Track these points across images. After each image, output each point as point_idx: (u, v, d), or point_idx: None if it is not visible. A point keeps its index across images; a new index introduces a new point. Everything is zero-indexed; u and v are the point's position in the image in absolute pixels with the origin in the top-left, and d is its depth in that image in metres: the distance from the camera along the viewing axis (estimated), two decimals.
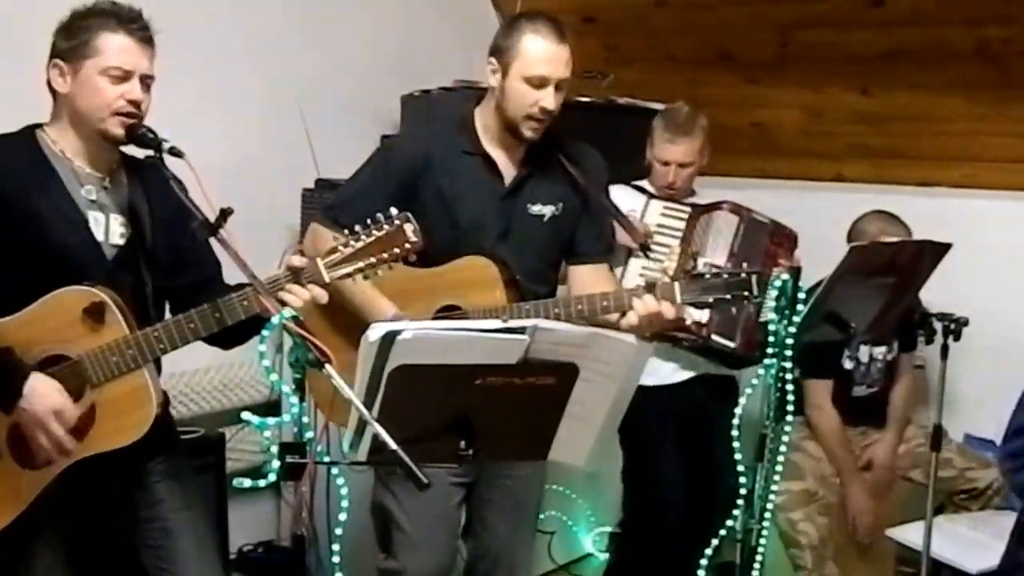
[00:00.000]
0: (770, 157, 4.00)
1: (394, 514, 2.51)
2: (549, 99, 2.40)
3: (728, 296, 2.33)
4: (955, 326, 2.85)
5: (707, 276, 2.34)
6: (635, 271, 3.15)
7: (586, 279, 2.57)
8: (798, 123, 3.93)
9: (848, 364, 3.40)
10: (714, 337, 3.09)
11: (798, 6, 3.64)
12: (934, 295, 3.28)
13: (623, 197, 3.30)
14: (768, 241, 3.10)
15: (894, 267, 2.76)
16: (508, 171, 2.53)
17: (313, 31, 3.66)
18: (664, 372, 3.25)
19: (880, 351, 3.40)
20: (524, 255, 2.51)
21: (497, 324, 1.94)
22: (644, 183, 3.35)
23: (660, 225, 3.21)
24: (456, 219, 2.49)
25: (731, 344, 3.06)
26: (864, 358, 3.41)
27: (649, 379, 3.22)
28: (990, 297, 3.50)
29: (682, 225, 3.20)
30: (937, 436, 2.94)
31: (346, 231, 2.00)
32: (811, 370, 3.32)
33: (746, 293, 2.33)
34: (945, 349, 2.88)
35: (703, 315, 3.05)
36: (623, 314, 2.36)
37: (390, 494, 2.51)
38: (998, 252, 3.63)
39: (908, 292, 2.90)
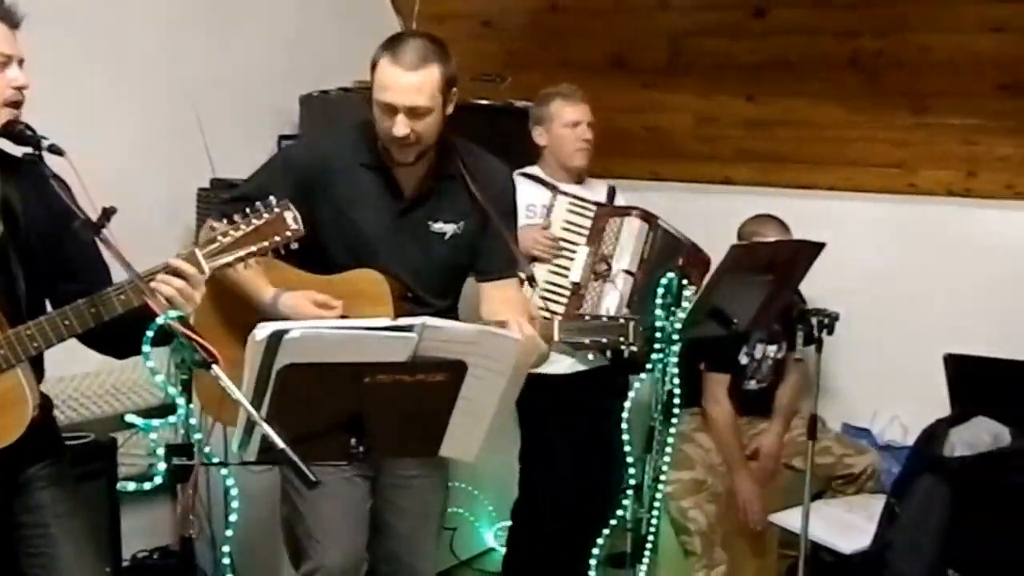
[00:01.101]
0: (663, 160, 4.12)
1: (302, 517, 2.49)
2: (399, 126, 2.34)
3: (604, 340, 2.44)
4: (828, 320, 2.99)
5: (587, 318, 2.48)
6: (541, 276, 3.20)
7: (494, 296, 2.55)
8: (689, 128, 4.06)
9: (744, 360, 3.56)
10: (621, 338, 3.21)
11: (688, 15, 3.77)
12: (814, 292, 3.45)
13: (523, 189, 3.36)
14: (684, 260, 3.20)
15: (773, 265, 2.90)
16: (409, 186, 2.49)
17: (210, 29, 3.64)
18: (566, 363, 3.33)
19: (772, 349, 3.57)
20: (423, 271, 2.50)
21: (386, 322, 1.99)
22: (537, 171, 3.42)
23: (567, 222, 3.29)
24: (352, 232, 2.47)
25: (636, 349, 3.18)
26: (758, 355, 3.57)
27: (550, 368, 3.34)
28: (864, 293, 3.68)
29: (588, 223, 3.29)
30: (813, 425, 3.09)
31: (225, 220, 1.97)
32: (713, 364, 3.48)
33: (621, 339, 2.44)
34: (819, 343, 3.02)
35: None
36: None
37: (295, 499, 2.49)
38: (871, 251, 3.83)
39: (786, 289, 3.04)
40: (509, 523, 3.59)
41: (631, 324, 2.42)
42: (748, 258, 2.89)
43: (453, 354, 2.02)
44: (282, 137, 3.70)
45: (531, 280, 2.58)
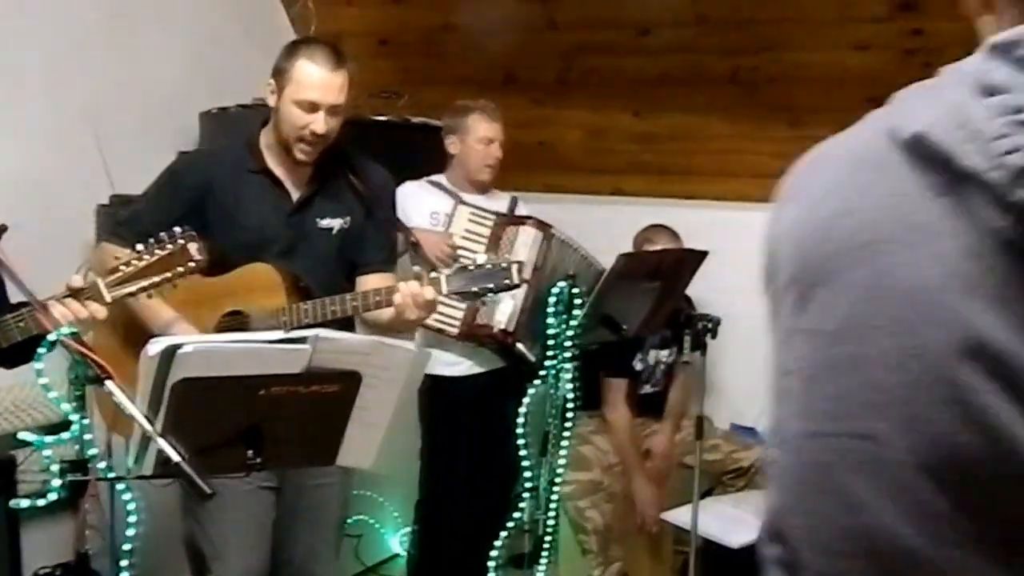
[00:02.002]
0: (556, 173, 4.24)
1: (205, 530, 2.51)
2: (319, 124, 2.48)
3: (491, 285, 2.47)
4: (711, 325, 3.14)
5: (471, 268, 2.48)
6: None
7: (371, 287, 2.63)
8: (580, 142, 4.19)
9: (639, 365, 3.69)
10: (518, 345, 3.32)
11: (576, 34, 3.90)
12: (702, 297, 3.60)
13: (428, 198, 3.46)
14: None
15: (659, 273, 3.03)
16: (295, 188, 2.60)
17: (109, 45, 3.63)
18: (466, 365, 3.46)
19: (664, 354, 3.71)
20: (315, 267, 2.59)
21: (279, 335, 2.04)
22: (442, 180, 3.52)
23: (467, 231, 3.38)
24: (242, 236, 2.55)
25: (531, 357, 3.29)
26: (651, 360, 3.71)
27: (451, 370, 3.43)
28: (749, 299, 3.83)
29: (487, 232, 3.38)
30: (700, 426, 3.22)
31: (129, 250, 2.03)
32: (611, 370, 3.60)
33: (507, 282, 2.48)
34: (704, 347, 3.16)
35: (511, 324, 3.27)
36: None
37: (198, 513, 2.52)
38: (755, 257, 3.98)
39: (672, 295, 3.17)
40: (410, 529, 3.67)
41: (515, 266, 2.46)
42: (635, 266, 3.02)
43: (347, 365, 2.08)
44: (180, 154, 3.71)
45: (418, 277, 2.67)
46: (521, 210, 3.62)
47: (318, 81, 2.47)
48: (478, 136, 3.43)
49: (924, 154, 0.81)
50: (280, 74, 2.52)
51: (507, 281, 2.46)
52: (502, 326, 3.27)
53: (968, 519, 0.78)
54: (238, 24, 4.11)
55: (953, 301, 0.78)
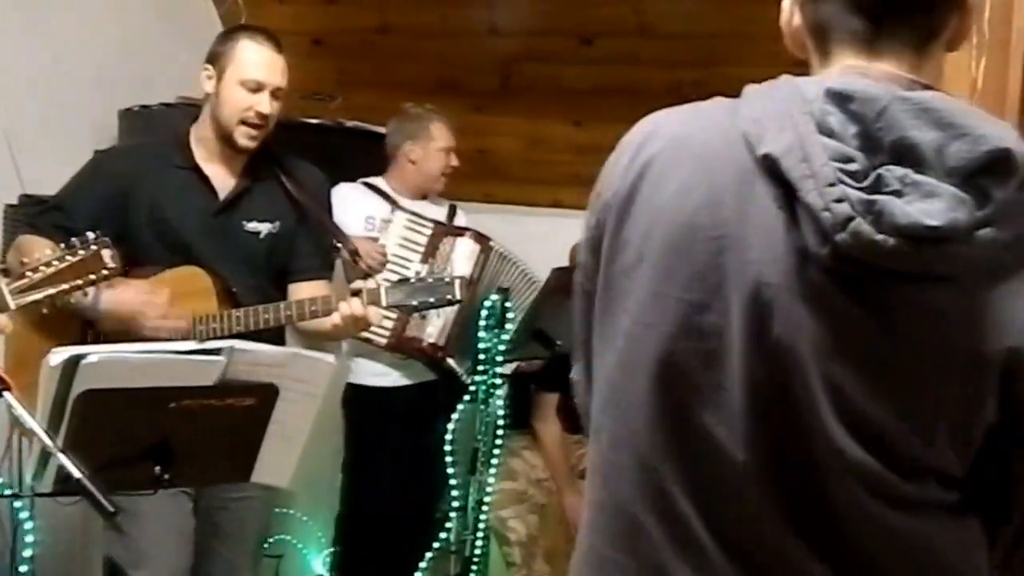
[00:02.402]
0: (494, 182, 4.16)
1: (123, 542, 2.41)
2: (264, 104, 2.43)
3: (432, 299, 2.45)
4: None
5: (413, 281, 2.48)
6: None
7: (304, 295, 2.56)
8: (519, 151, 4.12)
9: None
10: (448, 360, 3.25)
11: (518, 41, 3.83)
12: None
13: (364, 201, 3.38)
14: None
15: None
16: (224, 187, 2.52)
17: (21, 33, 3.46)
18: (394, 376, 3.38)
19: None
20: (241, 271, 2.51)
21: (192, 346, 1.95)
22: (381, 183, 3.43)
23: (404, 238, 3.31)
24: (167, 235, 2.47)
25: (461, 373, 3.21)
26: None
27: (378, 380, 3.35)
28: None
29: (424, 240, 3.31)
30: None
31: (48, 241, 1.94)
32: (543, 384, 3.52)
33: (449, 297, 2.46)
34: None
35: (441, 337, 3.19)
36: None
37: (114, 532, 2.40)
38: None
39: None
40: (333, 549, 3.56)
41: (457, 281, 2.45)
42: (570, 281, 2.93)
43: (264, 377, 2.01)
44: (98, 152, 3.56)
45: (356, 293, 2.57)
46: (460, 219, 3.57)
47: (261, 60, 2.45)
48: (440, 145, 3.40)
49: (774, 172, 1.03)
50: (220, 57, 2.47)
51: (449, 296, 2.45)
52: (432, 340, 3.19)
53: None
54: (164, 18, 3.96)
55: (784, 295, 1.02)
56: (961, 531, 1.06)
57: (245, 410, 2.01)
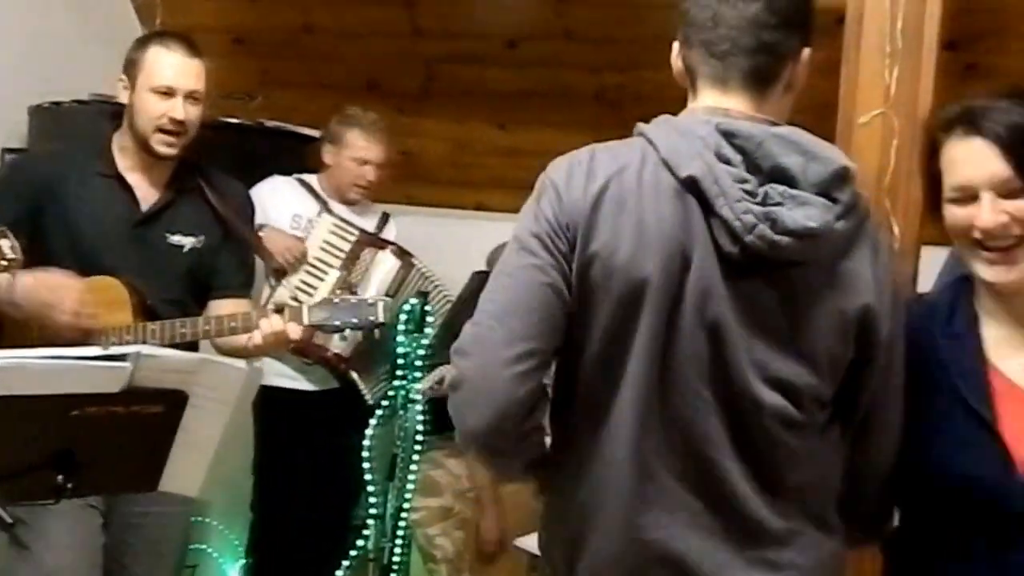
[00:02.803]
0: (418, 185, 4.12)
1: (26, 560, 2.31)
2: (177, 109, 2.39)
3: (355, 320, 2.43)
4: None
5: (336, 300, 2.44)
6: (286, 294, 3.16)
7: (225, 312, 2.51)
8: (444, 154, 4.10)
9: None
10: (351, 374, 3.21)
11: (442, 43, 3.81)
12: None
13: (295, 198, 3.33)
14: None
15: None
16: (147, 197, 2.46)
17: None
18: (305, 379, 3.33)
19: None
20: (161, 285, 2.45)
21: (96, 351, 1.88)
22: (314, 182, 3.39)
23: (326, 242, 3.26)
24: (84, 244, 2.40)
25: (364, 389, 3.17)
26: None
27: (291, 382, 3.29)
28: None
29: (347, 247, 3.26)
30: None
31: None
32: None
33: (372, 319, 2.44)
34: None
35: (348, 349, 3.15)
36: (251, 336, 2.38)
37: (16, 536, 2.29)
38: None
39: None
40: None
41: (381, 304, 2.43)
42: None
43: (172, 384, 1.94)
44: (6, 150, 3.45)
45: (278, 310, 2.53)
46: (391, 228, 3.53)
47: (172, 65, 2.41)
48: (352, 155, 3.34)
49: (696, 191, 1.39)
50: (132, 66, 2.44)
51: (372, 319, 2.43)
52: (337, 351, 3.15)
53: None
54: (76, 11, 3.85)
55: (715, 284, 1.40)
56: (828, 441, 1.48)
57: (152, 418, 1.93)
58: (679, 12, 1.47)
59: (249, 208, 2.67)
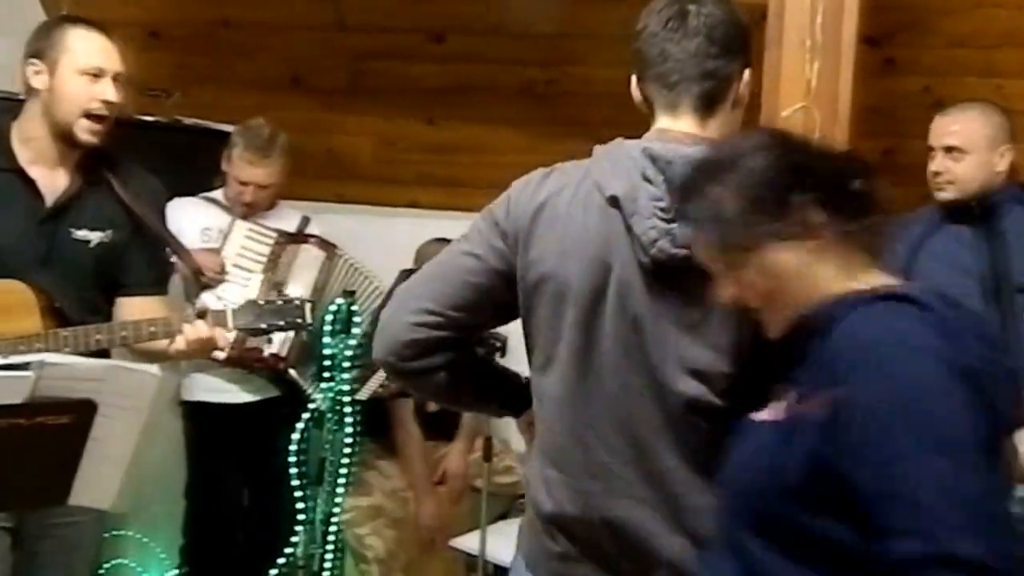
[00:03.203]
0: (347, 182, 4.06)
1: None
2: (109, 91, 2.29)
3: (281, 322, 2.38)
4: (499, 344, 3.04)
5: (261, 302, 2.38)
6: (212, 304, 3.08)
7: (136, 312, 2.40)
8: (372, 150, 4.03)
9: None
10: (291, 372, 3.14)
11: (367, 37, 3.75)
12: None
13: (202, 213, 3.25)
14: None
15: None
16: (51, 191, 2.33)
17: None
18: (235, 391, 3.25)
19: None
20: (69, 283, 2.33)
21: None
22: (219, 196, 3.31)
23: (244, 248, 3.18)
24: None
25: (305, 385, 3.12)
26: None
27: (218, 396, 3.22)
28: None
29: (267, 250, 3.19)
30: (488, 447, 3.13)
31: None
32: (398, 390, 3.43)
33: (299, 320, 2.39)
34: None
35: (283, 348, 3.08)
36: (172, 340, 2.30)
37: None
38: None
39: None
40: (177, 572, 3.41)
41: (307, 304, 2.40)
42: None
43: (79, 393, 1.87)
44: None
45: (201, 315, 2.45)
46: (313, 230, 3.44)
47: (99, 45, 2.31)
48: (235, 174, 3.24)
49: (617, 207, 1.57)
50: (48, 50, 2.30)
51: (298, 319, 2.39)
52: (273, 351, 3.08)
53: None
54: None
55: (635, 286, 1.58)
56: (727, 423, 1.55)
57: (60, 429, 1.86)
58: (632, 51, 1.65)
59: (162, 201, 2.56)
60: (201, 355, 2.42)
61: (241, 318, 2.34)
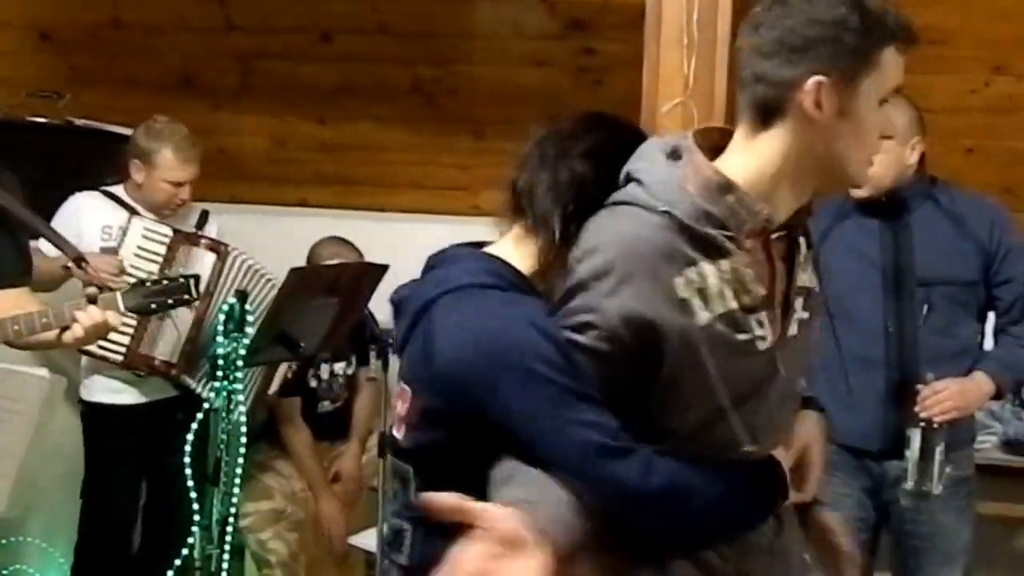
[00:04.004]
0: (238, 182, 4.04)
1: None
2: None
3: (170, 300, 2.42)
4: (395, 341, 3.07)
5: (148, 283, 2.42)
6: None
7: (11, 305, 2.33)
8: (263, 150, 4.03)
9: (313, 383, 3.54)
10: (183, 378, 3.13)
11: (255, 37, 3.73)
12: (385, 313, 3.52)
13: (102, 210, 3.20)
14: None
15: (337, 288, 2.92)
16: None
17: None
18: (132, 393, 3.22)
19: (340, 366, 3.57)
20: None
21: None
22: (119, 191, 3.26)
23: (140, 247, 3.13)
24: None
25: (198, 389, 3.10)
26: (325, 375, 3.57)
27: (115, 397, 3.18)
28: None
29: (163, 249, 3.15)
30: (383, 443, 3.14)
31: None
32: (283, 390, 3.42)
33: (187, 297, 2.45)
34: (387, 363, 3.10)
35: (174, 355, 3.06)
36: (64, 329, 2.27)
37: None
38: None
39: (353, 311, 3.08)
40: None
41: (192, 280, 2.44)
42: (311, 281, 2.90)
43: None
44: None
45: (91, 300, 2.42)
46: (212, 225, 3.42)
47: None
48: (168, 176, 3.16)
49: None
50: None
51: (186, 296, 2.44)
52: (164, 357, 3.06)
53: None
54: None
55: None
56: None
57: None
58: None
59: (16, 191, 2.45)
60: (96, 340, 2.41)
61: (131, 300, 2.36)
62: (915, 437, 2.46)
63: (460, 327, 1.39)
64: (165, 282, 2.42)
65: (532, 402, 1.32)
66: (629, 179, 1.39)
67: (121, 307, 2.33)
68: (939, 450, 2.45)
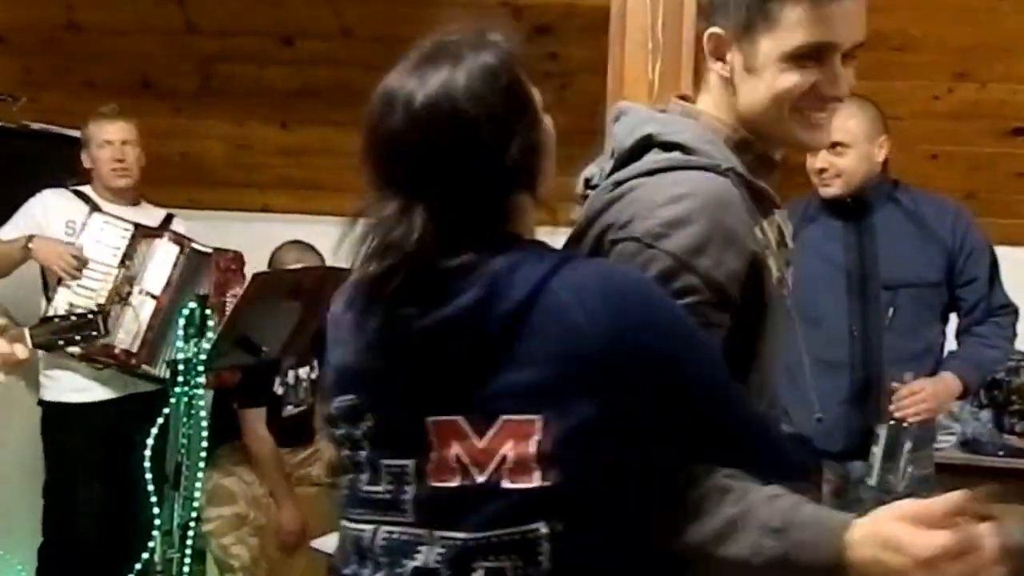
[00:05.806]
0: (199, 187, 4.01)
1: None
2: None
3: (78, 337, 2.50)
4: None
5: (56, 320, 2.50)
6: (65, 299, 3.05)
7: None
8: (225, 154, 3.99)
9: (280, 389, 3.50)
10: (144, 367, 3.12)
11: (217, 40, 3.69)
12: None
13: (67, 206, 3.24)
14: (215, 269, 3.22)
15: (300, 291, 2.90)
16: None
17: None
18: (96, 391, 3.22)
19: (305, 371, 3.54)
20: None
21: None
22: (87, 189, 3.31)
23: (100, 241, 3.17)
24: None
25: (159, 375, 3.09)
26: (291, 380, 3.54)
27: (77, 396, 3.15)
28: None
29: (123, 243, 3.17)
30: None
31: None
32: (246, 400, 3.38)
33: (95, 333, 2.53)
34: None
35: (135, 344, 3.05)
36: None
37: None
38: None
39: (316, 314, 3.05)
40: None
41: (100, 316, 2.52)
42: (272, 285, 2.89)
43: None
44: None
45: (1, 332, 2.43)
46: (178, 227, 3.43)
47: None
48: (98, 141, 3.26)
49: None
50: None
51: (93, 332, 2.51)
52: (125, 346, 3.06)
53: None
54: None
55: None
56: None
57: None
58: None
59: None
60: (3, 372, 2.42)
61: (39, 336, 2.42)
62: (882, 434, 2.48)
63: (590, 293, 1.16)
64: (73, 318, 2.50)
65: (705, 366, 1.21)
66: (661, 144, 1.31)
67: (29, 343, 2.38)
68: (906, 448, 2.47)
